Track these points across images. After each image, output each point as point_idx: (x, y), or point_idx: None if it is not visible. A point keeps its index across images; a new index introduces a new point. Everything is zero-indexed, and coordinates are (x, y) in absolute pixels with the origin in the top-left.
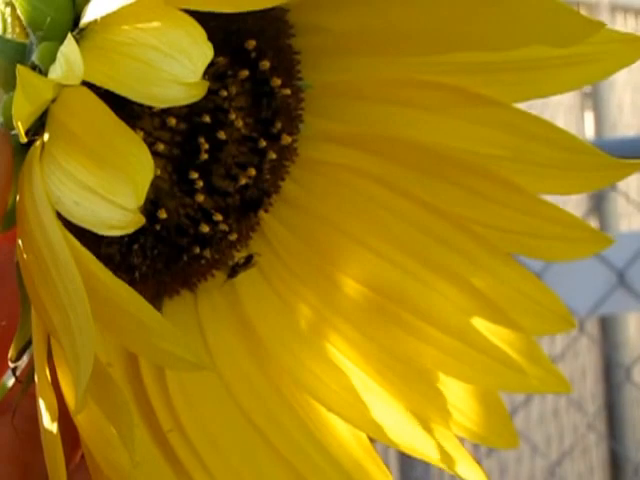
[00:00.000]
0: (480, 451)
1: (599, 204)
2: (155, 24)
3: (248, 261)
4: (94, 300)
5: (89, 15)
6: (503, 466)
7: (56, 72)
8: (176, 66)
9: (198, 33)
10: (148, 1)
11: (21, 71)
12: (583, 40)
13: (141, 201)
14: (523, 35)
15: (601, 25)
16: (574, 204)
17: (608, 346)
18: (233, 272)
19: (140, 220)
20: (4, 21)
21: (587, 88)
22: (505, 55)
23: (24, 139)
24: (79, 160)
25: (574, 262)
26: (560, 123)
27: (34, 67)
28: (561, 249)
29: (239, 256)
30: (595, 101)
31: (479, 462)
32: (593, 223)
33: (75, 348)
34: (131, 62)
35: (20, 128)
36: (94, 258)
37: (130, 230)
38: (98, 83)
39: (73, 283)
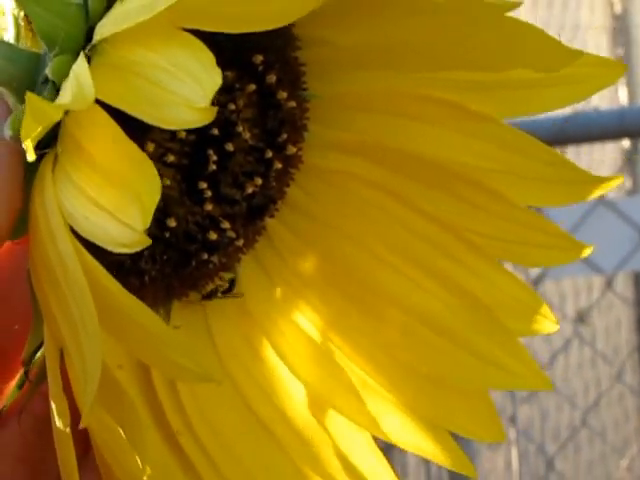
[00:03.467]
0: (516, 399)
1: (631, 166)
2: (164, 46)
3: (229, 289)
4: (105, 311)
5: (102, 32)
6: (544, 413)
7: (66, 95)
8: (185, 89)
9: (207, 58)
10: (156, 22)
11: (29, 98)
12: (564, 67)
13: (147, 224)
14: (511, 59)
15: (580, 54)
16: (607, 167)
17: None
18: (210, 295)
19: (146, 241)
20: (17, 25)
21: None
22: (498, 75)
23: (33, 157)
24: (90, 176)
25: (601, 224)
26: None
27: (47, 81)
28: (544, 256)
29: (219, 283)
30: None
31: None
32: (626, 184)
33: (84, 364)
34: (142, 83)
35: (29, 146)
36: (104, 271)
37: (136, 249)
38: (110, 103)
39: (82, 295)
